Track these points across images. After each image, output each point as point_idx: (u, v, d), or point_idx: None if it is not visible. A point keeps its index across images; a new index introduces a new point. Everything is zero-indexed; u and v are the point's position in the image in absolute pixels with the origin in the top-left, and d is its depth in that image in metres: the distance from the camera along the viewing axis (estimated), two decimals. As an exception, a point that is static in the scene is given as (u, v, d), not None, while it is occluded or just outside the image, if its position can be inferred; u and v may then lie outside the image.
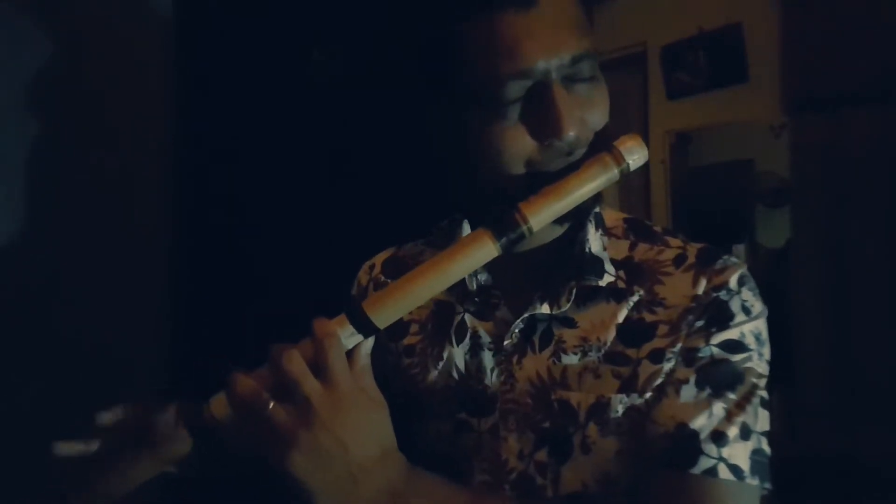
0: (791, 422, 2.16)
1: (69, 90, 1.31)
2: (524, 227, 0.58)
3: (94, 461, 0.59)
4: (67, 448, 0.59)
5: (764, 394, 0.63)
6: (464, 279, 0.70)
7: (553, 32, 0.59)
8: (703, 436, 0.60)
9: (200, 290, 1.45)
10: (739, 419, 0.61)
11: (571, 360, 0.66)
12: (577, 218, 0.66)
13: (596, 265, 0.68)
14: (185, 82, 1.46)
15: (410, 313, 0.76)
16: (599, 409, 0.64)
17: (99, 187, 1.35)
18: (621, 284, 0.68)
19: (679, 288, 0.66)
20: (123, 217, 1.38)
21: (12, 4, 1.23)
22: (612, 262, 0.69)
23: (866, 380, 2.10)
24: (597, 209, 0.71)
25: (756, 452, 0.61)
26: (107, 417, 0.61)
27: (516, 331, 0.69)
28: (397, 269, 0.82)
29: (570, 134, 0.59)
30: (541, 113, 0.59)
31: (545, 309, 0.67)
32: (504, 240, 0.58)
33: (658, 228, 0.73)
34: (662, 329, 0.65)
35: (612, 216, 0.74)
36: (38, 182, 1.28)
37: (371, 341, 0.58)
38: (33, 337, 1.24)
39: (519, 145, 0.61)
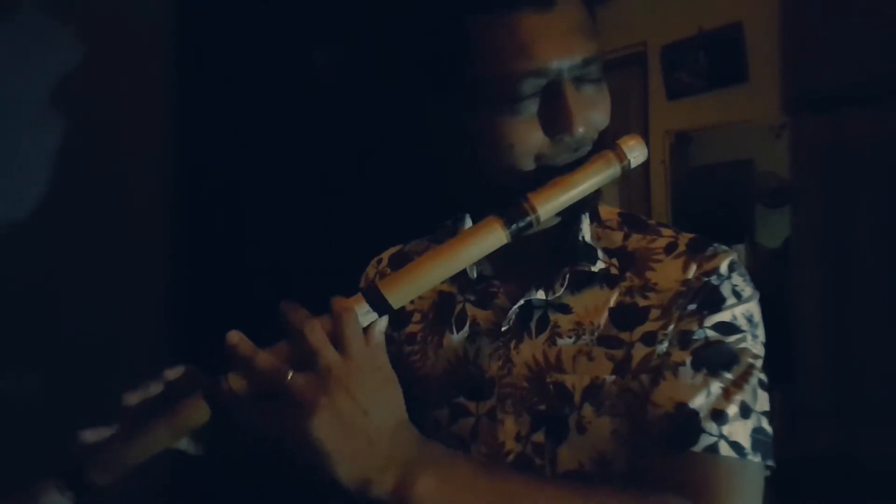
0: (791, 422, 2.16)
1: (70, 90, 1.31)
2: (532, 217, 0.61)
3: (114, 434, 0.59)
4: (92, 435, 0.60)
5: (762, 375, 0.65)
6: (465, 269, 0.72)
7: (568, 34, 0.62)
8: (702, 414, 0.62)
9: (201, 289, 1.46)
10: (738, 398, 0.62)
11: (566, 343, 0.69)
12: (581, 211, 0.70)
13: (589, 252, 0.71)
14: (186, 82, 1.46)
15: (412, 303, 0.79)
16: (594, 390, 0.66)
17: (99, 187, 1.35)
18: (614, 271, 0.71)
19: (670, 273, 0.69)
20: (124, 217, 1.38)
21: (14, 5, 1.23)
22: (606, 250, 0.72)
23: (866, 380, 2.10)
24: None
25: (757, 431, 0.62)
26: (133, 399, 0.62)
27: (513, 317, 0.71)
28: (403, 264, 0.84)
29: (580, 130, 0.63)
30: (553, 110, 0.63)
31: (541, 295, 0.70)
32: (514, 227, 0.60)
33: (652, 221, 0.76)
34: (654, 313, 0.67)
35: (608, 211, 0.77)
36: (38, 181, 1.28)
37: (385, 320, 0.60)
38: (33, 335, 1.24)
39: (531, 140, 0.64)
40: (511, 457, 0.69)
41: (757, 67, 2.41)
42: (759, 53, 2.39)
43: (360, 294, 0.59)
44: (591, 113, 0.65)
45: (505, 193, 0.63)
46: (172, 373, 0.64)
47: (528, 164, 0.65)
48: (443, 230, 0.83)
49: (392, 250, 0.89)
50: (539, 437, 0.68)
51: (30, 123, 1.27)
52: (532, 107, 0.63)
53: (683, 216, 2.64)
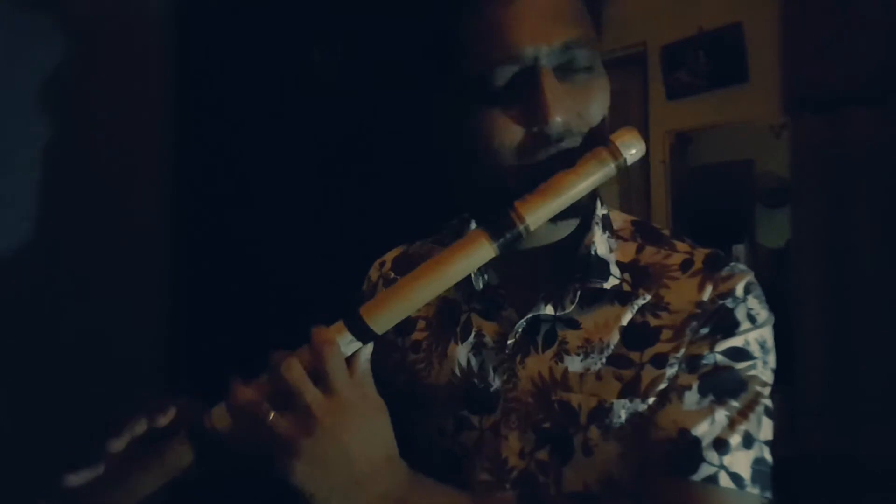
0: (791, 422, 2.16)
1: (70, 89, 1.31)
2: (521, 227, 0.58)
3: (100, 478, 0.59)
4: (77, 479, 0.59)
5: (768, 402, 0.63)
6: (470, 279, 0.70)
7: (542, 19, 0.58)
8: (704, 443, 0.60)
9: (201, 289, 1.45)
10: (742, 427, 0.61)
11: (573, 361, 0.66)
12: (577, 215, 0.66)
13: (601, 267, 0.67)
14: (186, 82, 1.45)
15: (418, 310, 0.76)
16: (601, 412, 0.64)
17: (99, 188, 1.35)
18: (626, 287, 0.67)
19: (684, 293, 0.66)
20: (123, 217, 1.38)
21: (12, 3, 1.23)
22: (619, 264, 0.69)
23: (866, 380, 2.09)
24: (604, 211, 0.71)
25: (758, 461, 0.61)
26: (117, 445, 0.61)
27: (520, 330, 0.69)
28: (407, 266, 0.83)
29: (557, 120, 0.58)
30: (527, 99, 0.59)
31: (549, 310, 0.67)
32: (501, 240, 0.57)
33: (666, 232, 0.73)
34: (666, 334, 0.65)
35: (620, 218, 0.74)
36: (37, 181, 1.28)
37: (370, 347, 0.58)
38: (32, 336, 1.23)
39: (507, 133, 0.60)
40: (514, 473, 0.67)
41: (757, 67, 2.40)
42: (759, 53, 2.39)
43: (341, 322, 0.56)
44: (578, 103, 0.60)
45: (494, 194, 0.61)
46: (161, 419, 0.62)
47: (510, 160, 0.61)
48: (448, 231, 0.82)
49: (395, 252, 0.87)
50: (543, 454, 0.66)
51: (28, 123, 1.27)
52: (508, 98, 0.59)
53: (683, 216, 2.64)
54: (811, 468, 1.96)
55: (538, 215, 0.58)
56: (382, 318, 0.57)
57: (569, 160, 0.60)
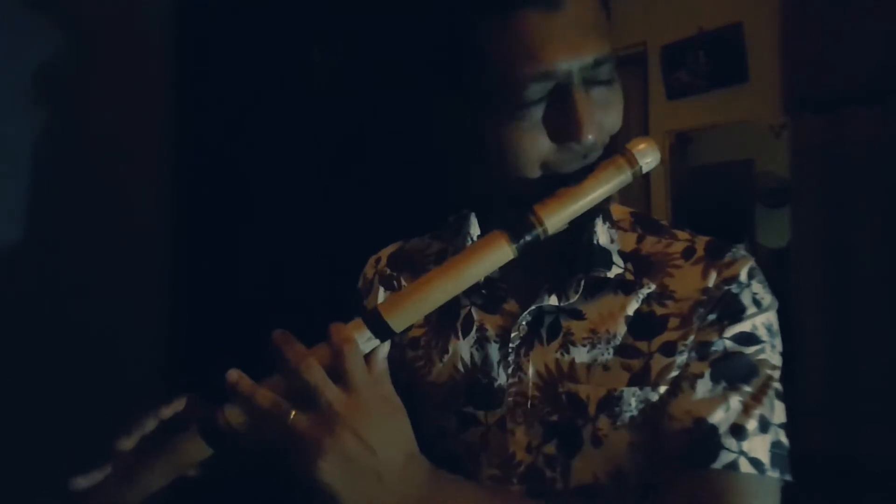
0: (791, 422, 2.16)
1: (70, 89, 1.31)
2: (539, 230, 0.59)
3: (108, 477, 0.59)
4: (85, 481, 0.58)
5: (779, 385, 0.64)
6: None
7: (577, 34, 0.58)
8: (722, 430, 0.60)
9: (201, 290, 1.45)
10: (757, 412, 0.61)
11: (580, 352, 0.66)
12: (591, 219, 0.67)
13: (604, 257, 0.68)
14: (186, 82, 1.45)
15: None
16: (611, 402, 0.64)
17: (99, 188, 1.35)
18: (629, 276, 0.68)
19: (689, 281, 0.66)
20: (123, 217, 1.38)
21: (13, 2, 1.23)
22: (620, 254, 0.69)
23: (866, 380, 2.10)
24: None
25: (775, 445, 0.61)
26: (127, 444, 0.61)
27: (524, 323, 0.69)
28: (403, 263, 0.83)
29: (589, 137, 0.59)
30: (561, 116, 0.59)
31: (553, 301, 0.67)
32: (521, 242, 0.58)
33: (664, 223, 0.74)
34: (673, 322, 0.65)
35: (619, 210, 0.75)
36: (37, 181, 1.28)
37: (388, 346, 0.58)
38: (33, 336, 1.24)
39: (536, 147, 0.61)
40: (521, 468, 0.67)
41: (757, 67, 2.41)
42: (759, 53, 2.39)
43: (360, 319, 0.57)
44: (602, 117, 0.61)
45: (512, 199, 0.61)
46: (167, 410, 0.63)
47: (534, 172, 0.62)
48: (448, 226, 0.81)
49: (391, 248, 0.86)
50: (550, 448, 0.66)
51: (28, 123, 1.27)
52: (539, 112, 0.60)
53: (683, 216, 2.64)
54: (811, 468, 1.96)
55: (556, 219, 0.59)
56: (401, 316, 0.57)
57: (589, 171, 0.61)
